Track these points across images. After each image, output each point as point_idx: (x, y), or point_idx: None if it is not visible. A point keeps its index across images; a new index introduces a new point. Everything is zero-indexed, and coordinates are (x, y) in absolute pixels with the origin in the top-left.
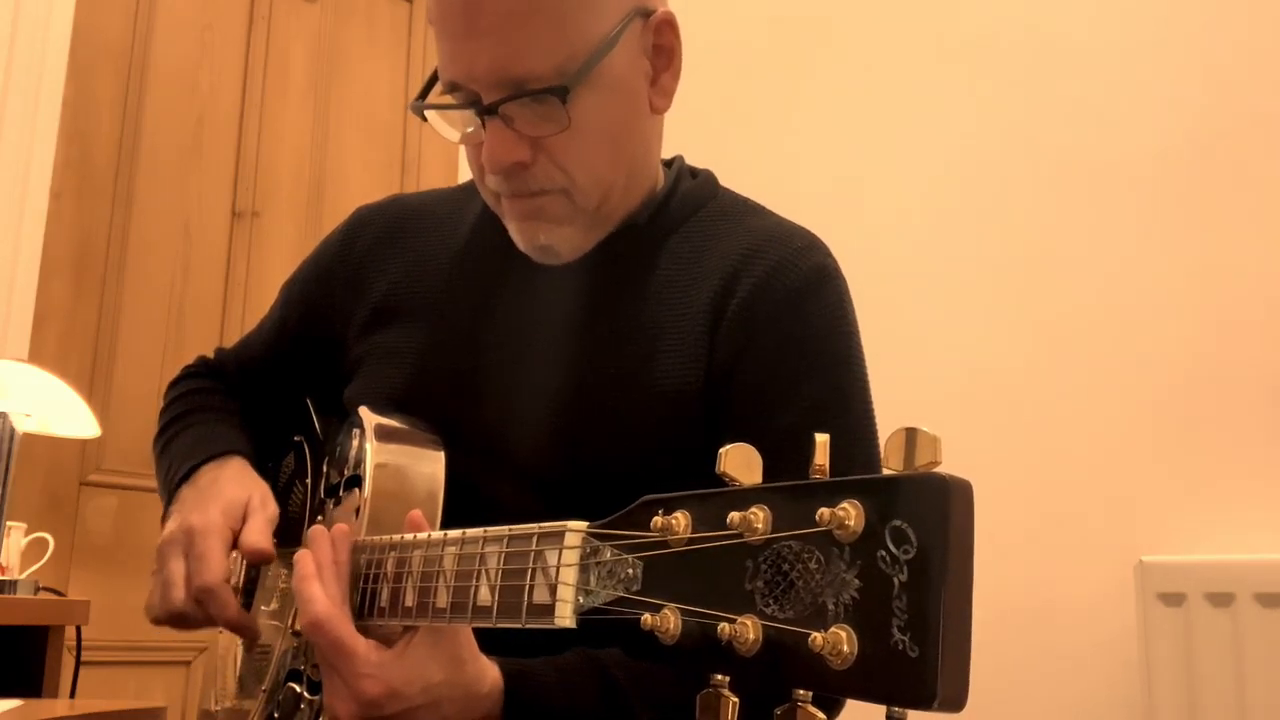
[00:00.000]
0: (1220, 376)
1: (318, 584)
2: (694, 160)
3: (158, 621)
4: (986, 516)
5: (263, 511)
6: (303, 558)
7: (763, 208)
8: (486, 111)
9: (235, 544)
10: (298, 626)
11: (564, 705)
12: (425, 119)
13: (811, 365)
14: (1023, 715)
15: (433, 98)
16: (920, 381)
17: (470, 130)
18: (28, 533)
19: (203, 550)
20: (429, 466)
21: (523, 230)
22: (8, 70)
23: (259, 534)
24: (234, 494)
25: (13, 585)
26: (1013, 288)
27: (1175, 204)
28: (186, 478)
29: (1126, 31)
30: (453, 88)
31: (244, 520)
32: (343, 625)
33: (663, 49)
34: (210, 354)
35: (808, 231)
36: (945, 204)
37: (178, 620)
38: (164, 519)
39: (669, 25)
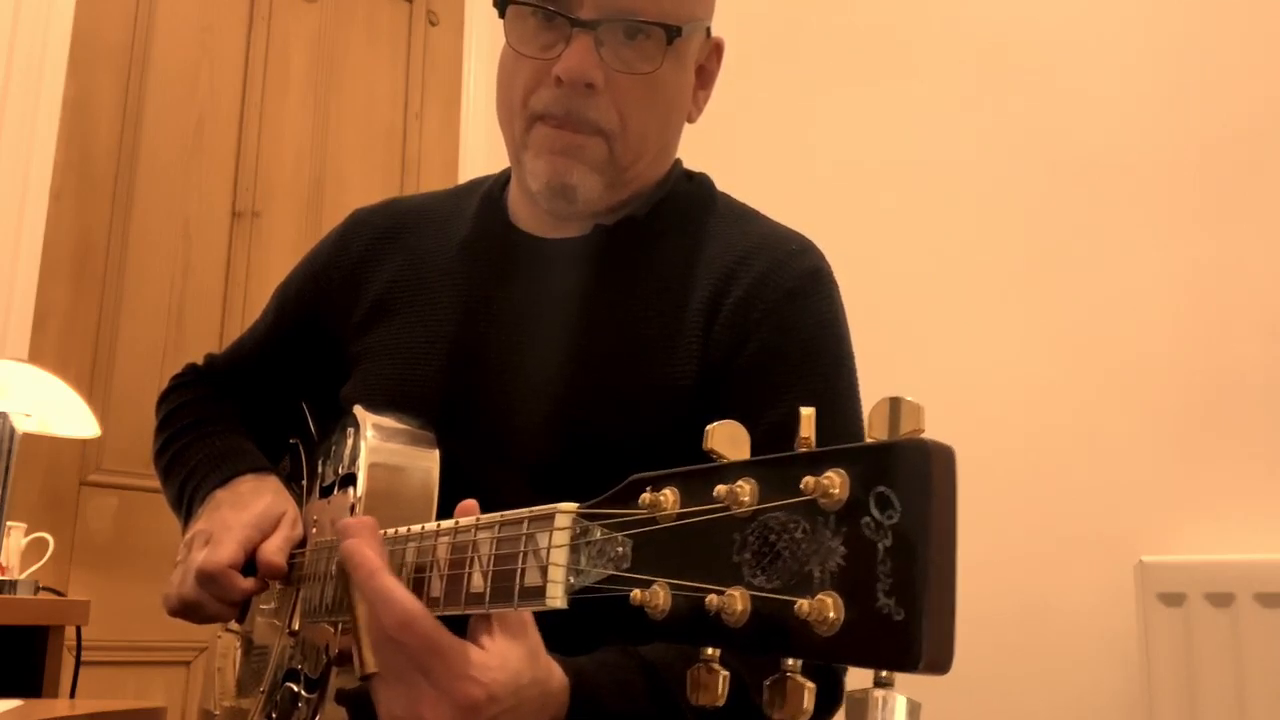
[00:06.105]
0: (1220, 377)
1: (391, 577)
2: (695, 163)
3: (172, 611)
4: (988, 517)
5: (290, 530)
6: (358, 550)
7: (758, 213)
8: (586, 25)
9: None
10: (296, 626)
11: (622, 708)
12: (503, 15)
13: (803, 364)
14: (1023, 715)
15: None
16: (921, 381)
17: (540, 46)
18: (28, 533)
19: (219, 539)
20: (423, 464)
21: (553, 164)
22: (8, 70)
23: (278, 551)
24: (274, 504)
25: (13, 585)
26: (1014, 289)
27: (1175, 205)
28: (224, 483)
29: (1132, 34)
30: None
31: (273, 531)
32: (434, 622)
33: (706, 69)
34: (199, 360)
35: (802, 236)
36: (947, 206)
37: (190, 608)
38: (186, 520)
39: (719, 51)
